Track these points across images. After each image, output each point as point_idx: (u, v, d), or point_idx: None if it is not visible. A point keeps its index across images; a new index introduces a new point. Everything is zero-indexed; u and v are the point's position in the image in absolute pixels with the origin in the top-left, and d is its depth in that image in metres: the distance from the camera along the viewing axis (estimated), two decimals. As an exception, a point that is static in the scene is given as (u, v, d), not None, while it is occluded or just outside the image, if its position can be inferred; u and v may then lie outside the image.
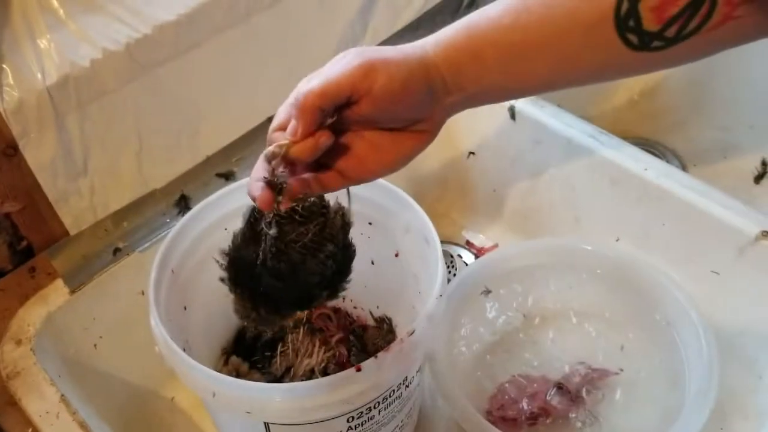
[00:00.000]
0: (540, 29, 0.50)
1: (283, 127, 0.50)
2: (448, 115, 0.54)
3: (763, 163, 0.99)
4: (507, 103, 0.87)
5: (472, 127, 0.93)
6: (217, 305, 0.76)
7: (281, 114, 0.51)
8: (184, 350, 0.60)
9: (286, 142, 0.48)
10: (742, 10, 0.47)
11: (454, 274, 0.92)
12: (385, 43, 0.92)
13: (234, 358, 0.78)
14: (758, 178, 0.99)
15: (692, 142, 1.05)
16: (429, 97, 0.52)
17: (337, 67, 0.49)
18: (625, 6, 0.48)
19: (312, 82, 0.48)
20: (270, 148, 0.48)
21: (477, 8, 0.54)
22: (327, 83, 0.48)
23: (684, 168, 1.02)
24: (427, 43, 0.52)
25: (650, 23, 0.48)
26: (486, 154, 0.94)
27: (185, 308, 0.70)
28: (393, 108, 0.50)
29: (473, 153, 0.95)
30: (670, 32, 0.48)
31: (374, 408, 0.61)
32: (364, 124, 0.51)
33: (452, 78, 0.52)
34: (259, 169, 0.50)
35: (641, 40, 0.48)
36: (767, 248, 0.72)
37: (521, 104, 0.86)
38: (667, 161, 0.98)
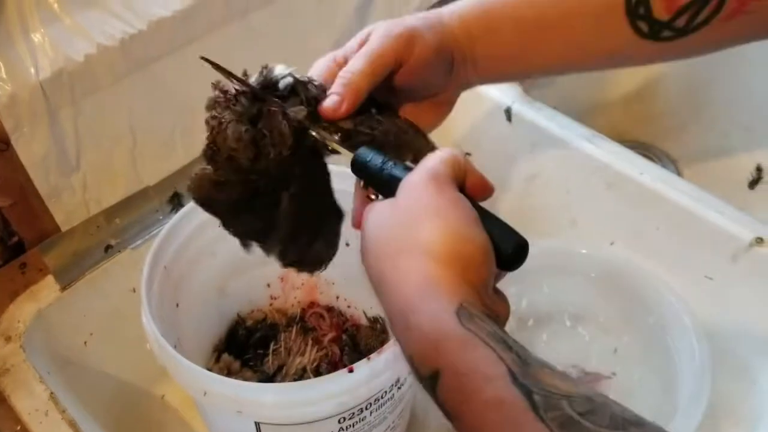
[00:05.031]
0: (553, 9, 0.51)
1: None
2: (462, 88, 0.55)
3: (758, 169, 0.99)
4: (503, 105, 0.87)
5: (469, 128, 0.93)
6: (209, 303, 0.76)
7: (321, 69, 0.52)
8: (175, 347, 0.60)
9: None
10: (754, 6, 0.47)
11: (448, 276, 0.91)
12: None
13: (225, 356, 0.78)
14: (753, 184, 0.99)
15: (687, 147, 1.05)
16: (451, 66, 0.53)
17: (377, 42, 0.49)
18: None
19: (359, 61, 0.49)
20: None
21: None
22: (375, 61, 0.48)
23: (679, 172, 1.02)
24: (443, 14, 0.52)
25: (661, 12, 0.48)
26: (482, 156, 0.93)
27: (177, 305, 0.69)
28: (425, 75, 0.51)
29: (469, 154, 0.94)
30: (680, 22, 0.48)
31: (366, 409, 0.61)
32: (392, 95, 0.52)
33: (468, 49, 0.52)
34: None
35: (651, 28, 0.49)
36: (761, 254, 0.71)
37: (518, 106, 0.86)
38: (662, 165, 0.98)
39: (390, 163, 0.46)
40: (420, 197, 0.41)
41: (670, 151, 1.06)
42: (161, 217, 0.77)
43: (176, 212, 0.71)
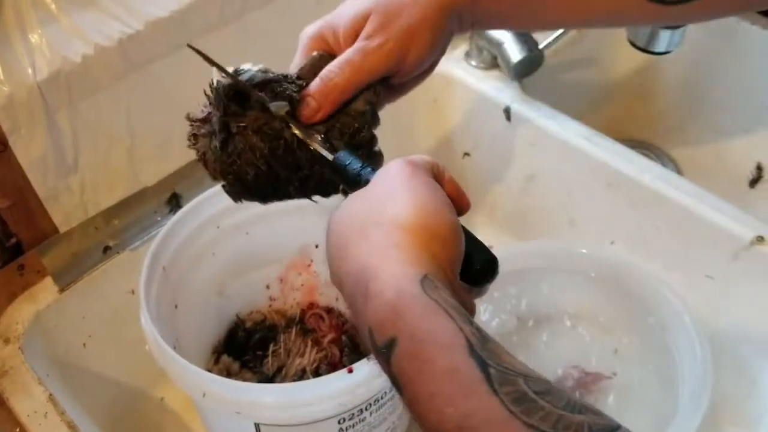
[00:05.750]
0: None
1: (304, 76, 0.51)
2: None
3: (758, 168, 0.99)
4: (502, 104, 0.87)
5: (468, 128, 0.93)
6: (208, 304, 0.76)
7: (311, 39, 0.52)
8: (174, 349, 0.59)
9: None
10: None
11: (448, 276, 0.91)
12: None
13: (225, 357, 0.77)
14: (753, 183, 0.99)
15: (688, 146, 1.05)
16: (445, 47, 0.53)
17: (370, 56, 0.49)
18: None
19: (345, 73, 0.49)
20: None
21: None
22: (362, 77, 0.48)
23: (679, 171, 1.02)
24: None
25: None
26: (481, 156, 0.94)
27: (176, 306, 0.69)
28: (414, 73, 0.51)
29: (468, 154, 0.94)
30: None
31: (366, 410, 0.61)
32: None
33: (469, 13, 0.52)
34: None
35: None
36: (762, 253, 0.71)
37: (517, 105, 0.86)
38: (663, 165, 0.97)
39: (368, 168, 0.46)
40: (393, 178, 0.41)
41: (670, 150, 1.06)
42: (159, 218, 0.77)
43: (174, 213, 0.71)
